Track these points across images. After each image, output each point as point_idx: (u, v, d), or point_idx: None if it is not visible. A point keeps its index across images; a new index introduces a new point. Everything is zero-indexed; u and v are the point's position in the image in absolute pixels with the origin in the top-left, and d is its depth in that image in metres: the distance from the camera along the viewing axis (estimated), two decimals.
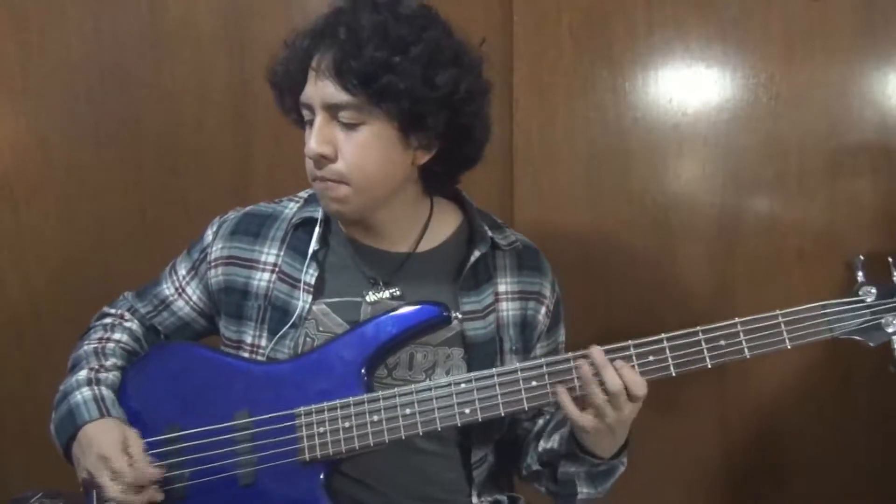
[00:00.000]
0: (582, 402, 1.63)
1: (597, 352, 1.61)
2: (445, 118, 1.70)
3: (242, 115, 2.66)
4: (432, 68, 1.67)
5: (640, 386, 1.59)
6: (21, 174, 2.75)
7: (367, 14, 1.66)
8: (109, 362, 1.86)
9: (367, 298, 1.80)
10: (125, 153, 2.72)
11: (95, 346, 1.91)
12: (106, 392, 1.80)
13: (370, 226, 1.82)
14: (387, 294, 1.80)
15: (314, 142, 1.67)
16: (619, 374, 1.59)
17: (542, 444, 1.83)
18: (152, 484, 1.70)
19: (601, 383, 1.60)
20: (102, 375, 1.83)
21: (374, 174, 1.72)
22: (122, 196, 2.74)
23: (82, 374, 1.83)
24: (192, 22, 2.67)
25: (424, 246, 1.85)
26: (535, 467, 1.86)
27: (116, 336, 1.94)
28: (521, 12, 2.57)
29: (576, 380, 1.63)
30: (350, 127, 1.68)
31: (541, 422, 1.91)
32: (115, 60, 2.69)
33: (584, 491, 1.78)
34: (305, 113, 1.72)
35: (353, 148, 1.68)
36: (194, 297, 1.94)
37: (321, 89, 1.66)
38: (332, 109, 1.67)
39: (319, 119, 1.68)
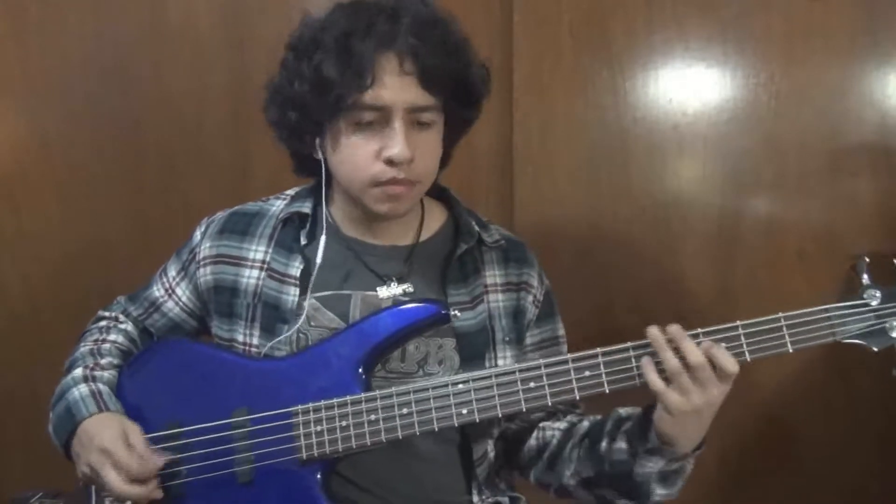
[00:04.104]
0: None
1: (675, 330, 1.59)
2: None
3: (242, 115, 2.65)
4: (486, 67, 1.80)
5: (731, 364, 1.57)
6: (21, 174, 2.74)
7: (427, 10, 1.69)
8: (105, 360, 1.87)
9: (379, 294, 1.80)
10: (125, 153, 2.72)
11: (91, 346, 1.92)
12: (103, 387, 1.80)
13: (377, 223, 1.83)
14: (399, 290, 1.81)
15: (404, 147, 1.66)
16: (708, 353, 1.57)
17: (597, 453, 1.77)
18: (156, 475, 1.70)
19: (679, 354, 1.57)
20: (98, 373, 1.83)
21: (435, 170, 1.80)
22: (122, 196, 2.73)
23: (78, 372, 1.83)
24: (192, 22, 2.67)
25: (413, 240, 1.88)
26: (572, 481, 1.83)
27: (112, 337, 1.95)
28: (521, 12, 2.57)
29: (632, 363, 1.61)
30: (426, 127, 1.71)
31: (557, 437, 1.89)
32: (115, 61, 2.69)
33: (659, 492, 1.72)
34: (366, 115, 1.67)
35: (427, 148, 1.73)
36: (184, 298, 1.94)
37: (406, 91, 1.66)
38: (415, 112, 1.68)
39: (402, 122, 1.66)
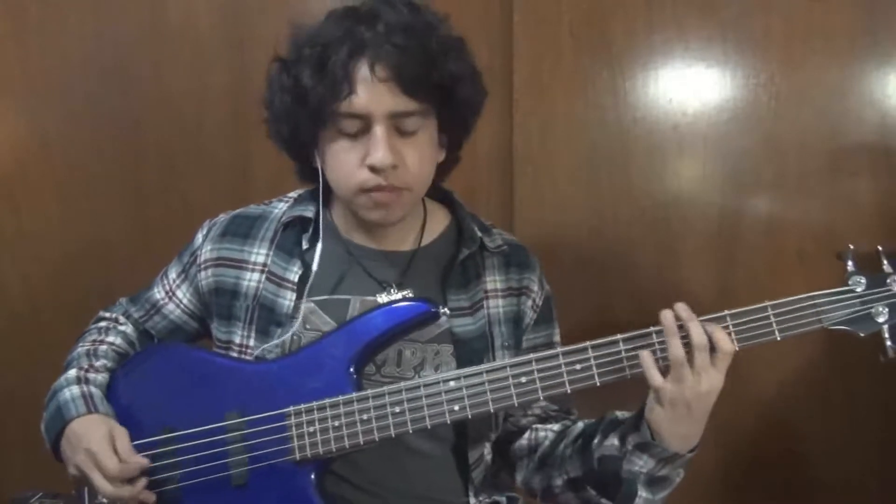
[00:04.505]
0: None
1: (682, 307, 1.61)
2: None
3: (242, 115, 2.66)
4: (476, 71, 1.76)
5: (726, 341, 1.57)
6: (21, 174, 2.75)
7: (410, 15, 1.67)
8: (100, 363, 1.87)
9: (379, 301, 1.79)
10: (125, 153, 2.73)
11: (88, 347, 1.92)
12: (94, 390, 1.80)
13: (377, 228, 1.82)
14: (399, 297, 1.79)
15: (385, 153, 1.64)
16: (707, 331, 1.58)
17: (589, 449, 1.77)
18: (141, 475, 1.70)
19: (684, 338, 1.58)
20: (91, 375, 1.83)
21: (428, 177, 1.77)
22: (122, 196, 2.74)
23: (72, 372, 1.83)
24: (192, 22, 2.68)
25: (414, 245, 1.87)
26: (559, 481, 1.83)
27: (110, 339, 1.95)
28: (521, 12, 2.57)
29: (654, 335, 1.61)
30: (411, 134, 1.69)
31: (549, 438, 1.90)
32: (115, 61, 2.70)
33: (642, 495, 1.70)
34: (348, 124, 1.66)
35: (415, 153, 1.70)
36: (185, 301, 1.94)
37: (385, 99, 1.64)
38: (397, 118, 1.66)
39: (382, 128, 1.65)
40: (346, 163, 1.69)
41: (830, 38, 2.46)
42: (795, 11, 2.47)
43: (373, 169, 1.66)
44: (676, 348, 1.58)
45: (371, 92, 1.63)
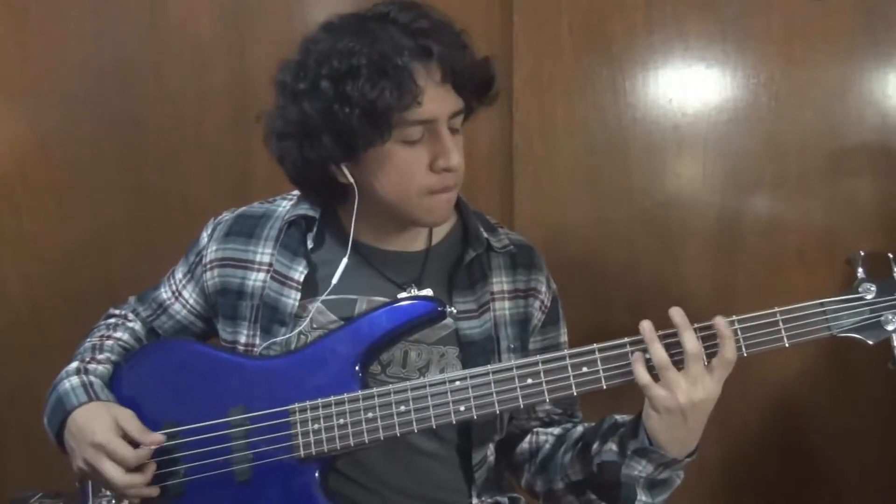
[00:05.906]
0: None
1: (677, 313, 1.59)
2: None
3: (242, 115, 2.66)
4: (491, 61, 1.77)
5: (731, 348, 1.56)
6: (21, 174, 2.75)
7: (432, 15, 1.67)
8: (103, 356, 1.86)
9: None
10: (125, 153, 2.73)
11: (95, 342, 1.91)
12: (94, 380, 1.79)
13: (396, 230, 1.81)
14: (422, 294, 1.78)
15: (458, 154, 1.68)
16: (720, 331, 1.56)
17: (589, 454, 1.77)
18: (150, 461, 1.69)
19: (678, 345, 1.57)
20: (92, 366, 1.83)
21: None
22: (122, 196, 2.74)
23: (73, 365, 1.83)
24: (192, 22, 2.68)
25: (424, 245, 1.86)
26: (561, 484, 1.83)
27: (118, 334, 1.94)
28: (521, 12, 2.57)
29: (661, 339, 1.60)
30: (458, 131, 1.72)
31: (550, 442, 1.89)
32: (115, 61, 2.69)
33: (642, 499, 1.69)
34: (414, 131, 1.65)
35: (461, 150, 1.71)
36: (191, 301, 1.94)
37: (447, 100, 1.66)
38: (453, 118, 1.69)
39: (447, 130, 1.67)
40: (410, 169, 1.68)
41: (830, 38, 2.46)
42: (795, 11, 2.47)
43: (447, 171, 1.67)
44: (659, 353, 1.57)
45: (436, 96, 1.64)
